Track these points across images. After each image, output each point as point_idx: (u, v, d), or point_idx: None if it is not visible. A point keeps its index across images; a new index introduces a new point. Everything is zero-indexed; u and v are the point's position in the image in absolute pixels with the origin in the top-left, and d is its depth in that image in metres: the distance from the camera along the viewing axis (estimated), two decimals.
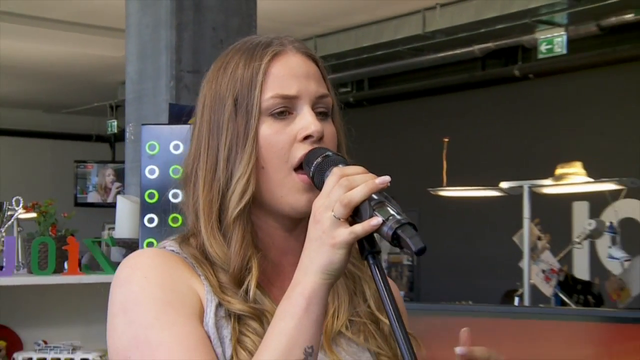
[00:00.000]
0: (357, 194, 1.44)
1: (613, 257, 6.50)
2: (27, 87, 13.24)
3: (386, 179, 1.47)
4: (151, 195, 4.04)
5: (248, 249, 1.63)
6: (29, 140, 14.96)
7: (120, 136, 13.98)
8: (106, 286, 4.47)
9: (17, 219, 4.56)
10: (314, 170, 1.59)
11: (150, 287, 1.58)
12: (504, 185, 6.27)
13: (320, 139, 1.63)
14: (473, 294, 8.21)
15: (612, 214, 6.54)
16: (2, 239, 4.52)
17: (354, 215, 1.46)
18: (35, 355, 4.41)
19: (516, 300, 6.34)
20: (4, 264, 4.41)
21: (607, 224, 6.48)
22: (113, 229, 4.82)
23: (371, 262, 1.48)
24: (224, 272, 1.63)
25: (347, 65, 10.58)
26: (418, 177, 8.14)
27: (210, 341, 1.56)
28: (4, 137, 14.61)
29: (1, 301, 4.58)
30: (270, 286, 1.68)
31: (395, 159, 10.91)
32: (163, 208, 4.00)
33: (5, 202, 4.54)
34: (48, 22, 9.51)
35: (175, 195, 3.97)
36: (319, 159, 1.59)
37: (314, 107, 1.66)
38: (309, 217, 1.59)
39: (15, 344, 4.62)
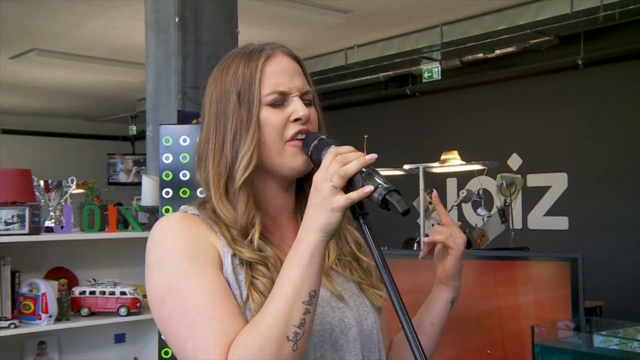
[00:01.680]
0: (352, 167, 1.30)
1: (479, 214, 6.50)
2: (75, 104, 13.01)
3: (374, 156, 1.33)
4: (167, 175, 3.89)
5: (252, 210, 1.48)
6: (75, 140, 14.80)
7: (138, 137, 13.90)
8: (136, 240, 4.29)
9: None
10: (312, 150, 1.45)
11: (179, 245, 1.42)
12: (406, 167, 6.16)
13: (307, 120, 1.50)
14: (387, 241, 8.26)
15: (477, 185, 6.50)
16: (62, 207, 4.32)
17: (348, 185, 1.31)
18: (87, 289, 4.24)
19: (415, 246, 6.23)
20: (64, 225, 4.21)
21: (475, 192, 6.42)
22: (139, 199, 4.64)
23: (362, 222, 1.34)
24: (234, 228, 1.48)
25: None
26: None
27: (230, 285, 1.41)
28: (59, 138, 14.53)
29: (63, 251, 4.43)
30: (271, 235, 1.53)
31: None
32: (176, 184, 3.87)
33: (63, 180, 4.34)
34: (88, 58, 9.31)
35: (184, 175, 3.86)
36: (316, 142, 1.45)
37: (301, 99, 1.51)
38: (299, 178, 1.56)
39: (74, 281, 4.44)
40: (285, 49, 1.56)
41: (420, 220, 5.89)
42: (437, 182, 8.27)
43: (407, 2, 7.14)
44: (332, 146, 1.38)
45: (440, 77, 8.68)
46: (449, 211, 6.54)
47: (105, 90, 11.44)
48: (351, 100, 10.42)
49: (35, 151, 13.48)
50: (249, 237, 1.46)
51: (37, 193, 4.25)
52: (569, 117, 8.18)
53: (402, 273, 2.67)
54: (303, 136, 1.49)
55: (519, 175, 6.89)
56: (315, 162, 1.44)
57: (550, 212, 8.40)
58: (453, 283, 1.72)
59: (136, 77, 9.78)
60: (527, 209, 8.56)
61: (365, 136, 7.04)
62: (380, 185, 1.29)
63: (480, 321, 2.53)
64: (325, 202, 1.30)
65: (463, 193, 6.34)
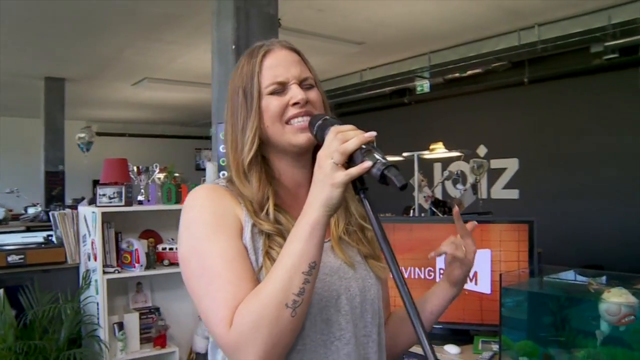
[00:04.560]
0: (351, 144, 0.99)
1: (457, 188, 6.19)
2: (174, 114, 12.88)
3: (373, 133, 1.01)
4: (223, 161, 3.68)
5: (265, 186, 1.17)
6: (175, 140, 14.60)
7: None
8: None
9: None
10: (316, 129, 1.12)
11: (205, 212, 1.12)
12: (404, 154, 5.85)
13: (306, 103, 1.17)
14: (391, 207, 8.08)
15: (456, 167, 6.24)
16: (149, 186, 4.13)
17: (348, 162, 1.00)
18: (168, 246, 4.10)
19: (411, 212, 5.93)
20: (150, 199, 4.04)
21: (455, 172, 6.16)
22: (204, 180, 4.42)
23: (363, 197, 1.01)
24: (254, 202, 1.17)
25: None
26: None
27: (247, 251, 1.10)
28: (164, 139, 14.41)
29: (151, 218, 4.26)
30: (291, 209, 1.19)
31: None
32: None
33: (150, 166, 4.16)
34: (181, 82, 9.13)
35: None
36: (320, 122, 1.12)
37: (301, 85, 1.19)
38: (308, 153, 1.21)
39: (158, 240, 4.26)
40: (284, 42, 1.25)
41: (415, 193, 5.58)
42: (427, 166, 8.20)
43: (404, 37, 6.92)
44: (335, 125, 1.07)
45: (429, 90, 8.47)
46: (435, 186, 6.24)
47: (193, 104, 11.24)
48: (365, 107, 10.19)
49: (147, 149, 13.53)
50: (265, 210, 1.15)
51: (132, 176, 4.05)
52: (519, 119, 8.05)
53: (401, 233, 2.47)
54: (303, 118, 1.17)
55: (486, 160, 6.76)
56: (320, 141, 1.10)
57: (507, 186, 8.27)
58: (459, 286, 1.34)
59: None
60: (490, 184, 8.42)
61: (374, 133, 6.83)
62: (378, 161, 0.97)
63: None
64: (327, 178, 1.00)
65: (446, 173, 6.04)
